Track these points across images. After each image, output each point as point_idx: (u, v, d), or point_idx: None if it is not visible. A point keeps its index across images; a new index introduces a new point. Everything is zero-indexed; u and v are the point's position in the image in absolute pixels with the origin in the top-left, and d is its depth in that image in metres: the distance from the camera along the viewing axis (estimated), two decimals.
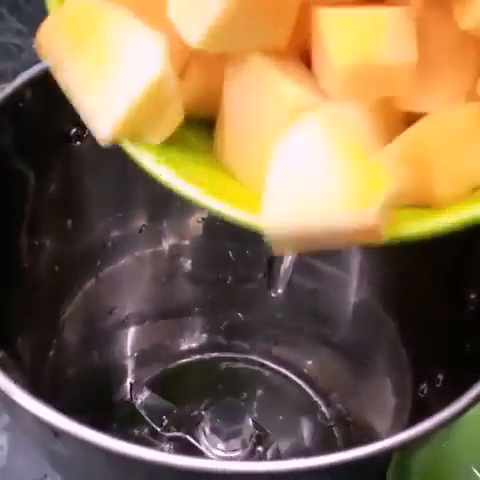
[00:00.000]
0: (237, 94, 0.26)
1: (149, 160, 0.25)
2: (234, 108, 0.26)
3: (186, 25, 0.24)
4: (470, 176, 0.25)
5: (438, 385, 0.36)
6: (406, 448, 0.27)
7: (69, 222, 0.41)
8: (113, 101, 0.24)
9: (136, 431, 0.44)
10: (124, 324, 0.46)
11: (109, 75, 0.24)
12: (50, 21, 0.25)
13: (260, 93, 0.25)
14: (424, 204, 0.25)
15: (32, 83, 0.34)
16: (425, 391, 0.38)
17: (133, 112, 0.24)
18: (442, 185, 0.25)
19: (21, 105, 0.34)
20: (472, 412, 0.28)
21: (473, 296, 0.35)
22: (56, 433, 0.24)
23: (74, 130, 0.36)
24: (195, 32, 0.23)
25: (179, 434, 0.43)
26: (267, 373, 0.47)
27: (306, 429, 0.45)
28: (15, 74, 0.35)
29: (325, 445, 0.44)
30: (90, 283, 0.43)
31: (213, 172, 0.26)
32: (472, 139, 0.25)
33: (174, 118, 0.25)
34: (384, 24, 0.24)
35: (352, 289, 0.45)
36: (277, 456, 0.43)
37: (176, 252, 0.46)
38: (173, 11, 0.24)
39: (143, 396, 0.44)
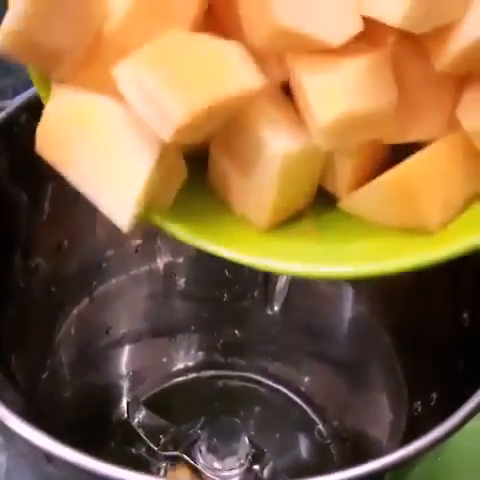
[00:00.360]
0: (227, 147, 0.27)
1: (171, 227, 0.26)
2: (226, 160, 0.27)
3: (155, 123, 0.23)
4: (457, 201, 0.26)
5: (432, 403, 0.36)
6: (398, 468, 0.27)
7: (64, 243, 0.41)
8: (124, 192, 0.24)
9: (133, 450, 0.44)
10: (120, 343, 0.46)
11: (114, 168, 0.24)
12: (43, 126, 0.26)
13: (251, 148, 0.26)
14: (417, 230, 0.26)
15: (26, 107, 0.34)
16: (419, 409, 0.38)
17: (146, 191, 0.24)
18: (432, 214, 0.25)
19: (15, 130, 0.34)
20: (468, 427, 0.28)
21: (466, 315, 0.35)
22: (48, 457, 0.25)
23: None
24: (164, 132, 0.23)
25: (176, 453, 0.43)
26: (264, 390, 0.47)
27: (303, 447, 0.45)
28: (15, 91, 0.35)
29: (322, 462, 0.44)
30: (85, 303, 0.43)
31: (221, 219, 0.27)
32: (454, 168, 0.26)
33: (180, 177, 0.26)
34: (361, 72, 0.24)
35: (347, 306, 0.45)
36: (274, 474, 0.43)
37: (171, 270, 0.46)
38: (138, 110, 0.24)
39: (140, 415, 0.44)
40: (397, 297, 0.41)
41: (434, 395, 0.36)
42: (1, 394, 0.28)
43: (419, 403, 0.38)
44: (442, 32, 0.24)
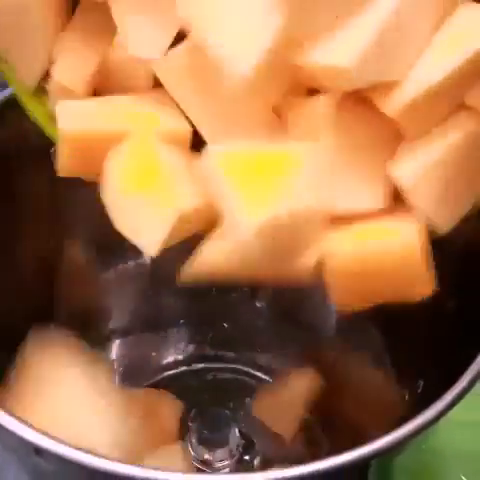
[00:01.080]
0: None
1: None
2: None
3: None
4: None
5: (419, 391, 0.37)
6: (384, 454, 0.27)
7: (53, 237, 0.41)
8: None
9: None
10: (109, 338, 0.46)
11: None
12: None
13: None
14: None
15: (11, 103, 0.34)
16: (406, 397, 0.38)
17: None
18: None
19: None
20: (459, 418, 0.28)
21: (451, 303, 0.36)
22: (37, 450, 0.25)
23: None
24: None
25: None
26: (253, 382, 0.48)
27: (292, 436, 0.45)
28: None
29: (311, 451, 0.44)
30: None
31: None
32: None
33: None
34: (294, 166, 0.24)
35: None
36: (264, 464, 0.43)
37: (159, 264, 0.46)
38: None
39: None
40: None
41: (421, 382, 0.36)
42: None
43: (406, 390, 0.38)
44: (388, 87, 0.25)
